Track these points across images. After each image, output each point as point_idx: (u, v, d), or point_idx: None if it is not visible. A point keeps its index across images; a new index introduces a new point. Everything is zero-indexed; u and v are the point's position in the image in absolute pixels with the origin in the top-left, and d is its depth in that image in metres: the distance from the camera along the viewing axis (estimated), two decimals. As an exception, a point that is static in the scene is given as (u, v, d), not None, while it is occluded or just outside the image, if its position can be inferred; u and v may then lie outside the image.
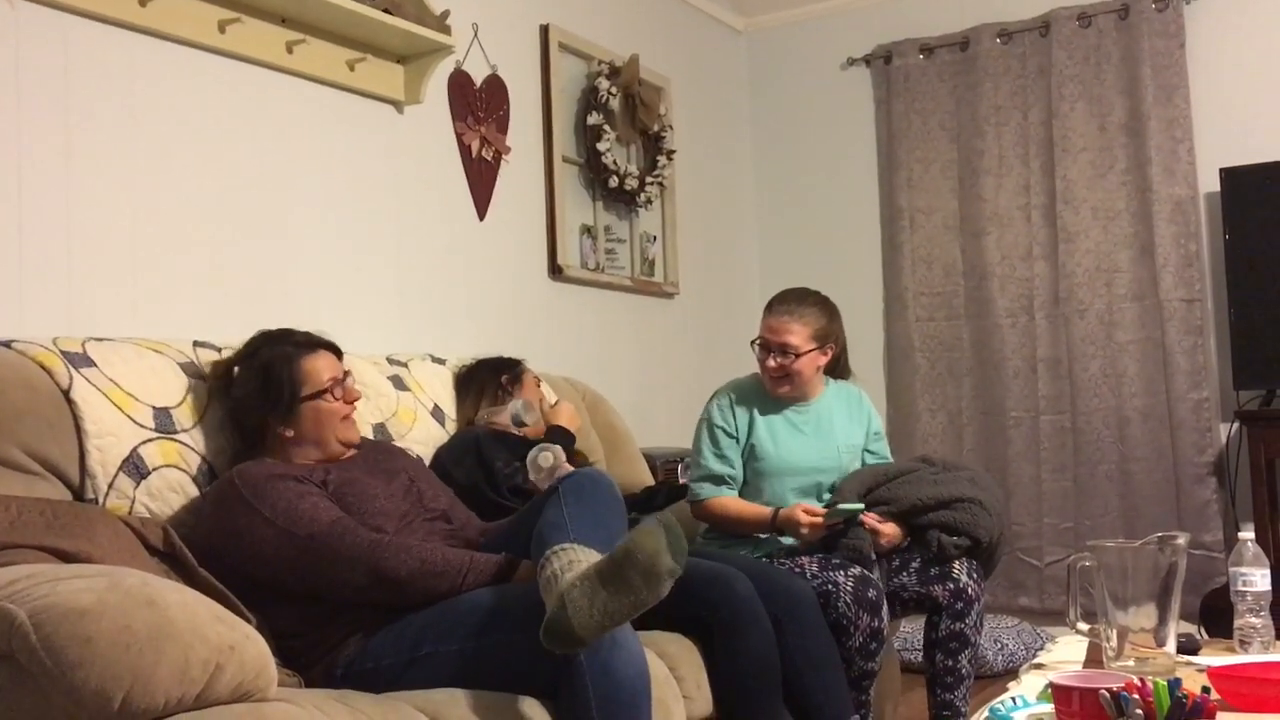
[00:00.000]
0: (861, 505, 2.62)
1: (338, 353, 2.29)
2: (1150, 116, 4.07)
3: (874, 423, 2.93)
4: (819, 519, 2.59)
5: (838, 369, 2.89)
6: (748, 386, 2.84)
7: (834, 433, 2.82)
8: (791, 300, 2.77)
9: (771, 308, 2.77)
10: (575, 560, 1.79)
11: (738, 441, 2.77)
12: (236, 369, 2.24)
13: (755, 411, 2.79)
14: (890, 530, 2.65)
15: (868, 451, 2.89)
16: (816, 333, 2.75)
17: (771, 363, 2.73)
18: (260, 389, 2.18)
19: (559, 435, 2.77)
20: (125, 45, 2.44)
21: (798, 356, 2.72)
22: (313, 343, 2.26)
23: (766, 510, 2.69)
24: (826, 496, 2.77)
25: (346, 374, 2.28)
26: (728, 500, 2.75)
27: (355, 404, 2.26)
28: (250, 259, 2.71)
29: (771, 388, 2.77)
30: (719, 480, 2.75)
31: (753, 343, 2.80)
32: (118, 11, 2.40)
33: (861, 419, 2.90)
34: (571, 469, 2.47)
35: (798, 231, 4.81)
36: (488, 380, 2.87)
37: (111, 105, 2.42)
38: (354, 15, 2.79)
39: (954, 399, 4.45)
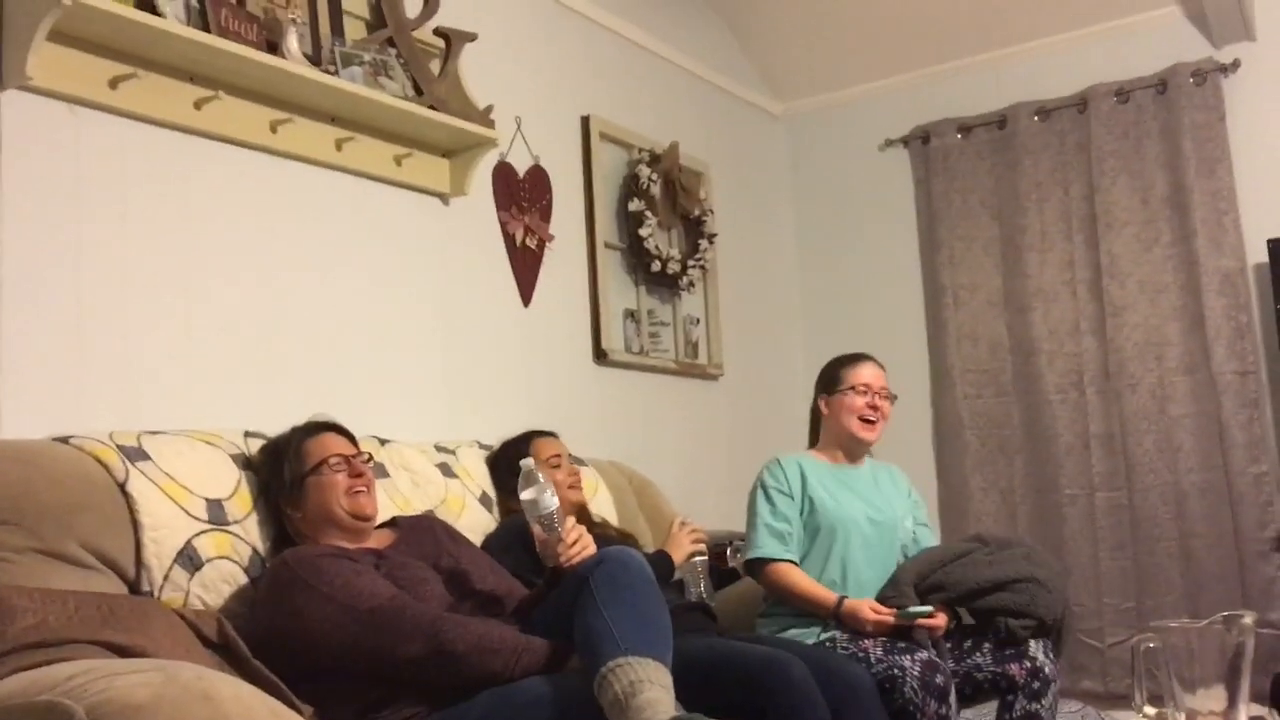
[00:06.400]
0: (930, 609, 2.59)
1: (345, 434, 2.34)
2: (1194, 189, 4.06)
3: (920, 509, 2.96)
4: (886, 618, 2.57)
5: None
6: (794, 457, 2.90)
7: (882, 493, 2.89)
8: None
9: (860, 360, 2.94)
10: (637, 680, 1.77)
11: (793, 499, 2.79)
12: (261, 463, 2.30)
13: (806, 473, 2.85)
14: (941, 621, 2.62)
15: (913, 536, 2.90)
16: None
17: (877, 403, 2.87)
18: (270, 477, 2.26)
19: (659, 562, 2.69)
20: (180, 147, 2.52)
21: (891, 403, 2.91)
22: (316, 426, 2.32)
23: (831, 595, 2.67)
24: (895, 561, 2.79)
25: (357, 455, 2.31)
26: (793, 570, 2.74)
27: (362, 478, 2.26)
28: (301, 349, 2.75)
29: (866, 433, 2.87)
30: (781, 537, 2.75)
31: (837, 391, 2.89)
32: (173, 115, 2.48)
33: (902, 489, 2.97)
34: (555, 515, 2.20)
35: (841, 311, 4.81)
36: (510, 466, 2.86)
37: (167, 204, 2.49)
38: (401, 113, 2.87)
39: (1006, 476, 4.39)
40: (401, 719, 1.98)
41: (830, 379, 2.95)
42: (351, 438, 2.36)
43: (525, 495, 2.15)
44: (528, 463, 2.20)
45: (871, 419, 2.87)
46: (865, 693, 2.33)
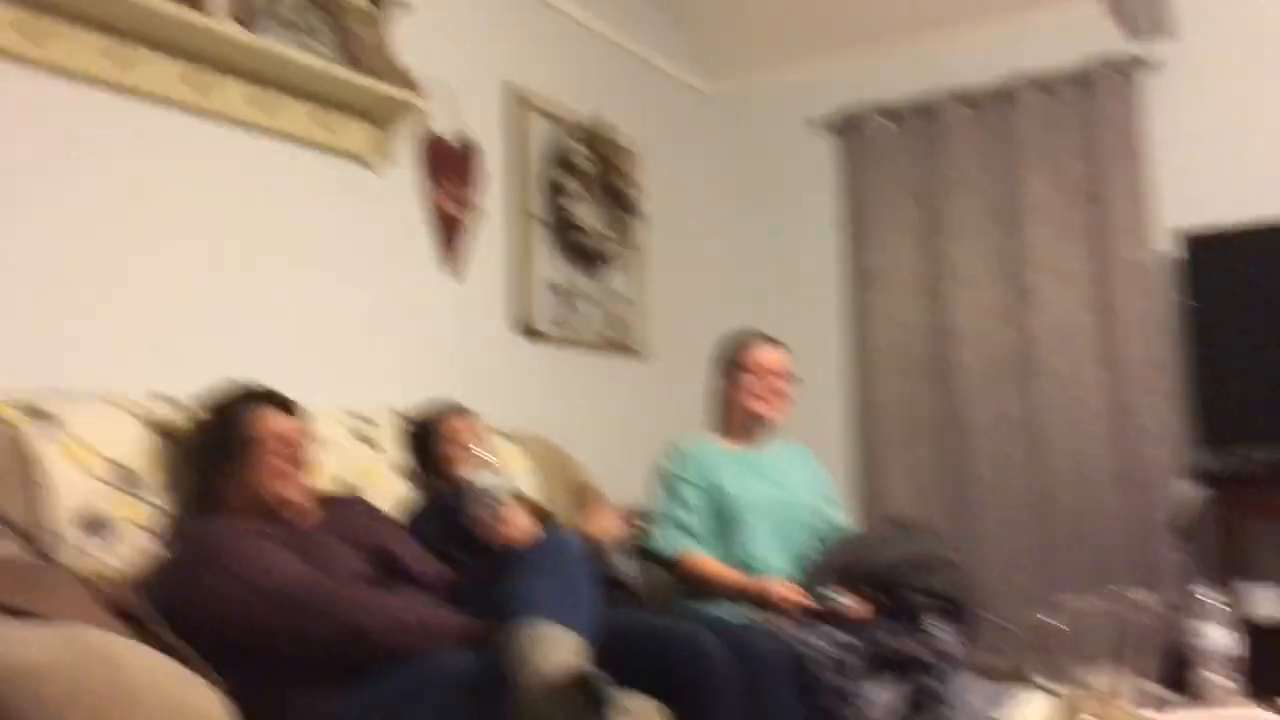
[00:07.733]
0: (849, 601, 2.62)
1: (289, 409, 2.30)
2: (1111, 182, 4.15)
3: (827, 485, 2.98)
4: (798, 598, 2.60)
5: None
6: (694, 440, 2.89)
7: (792, 474, 2.91)
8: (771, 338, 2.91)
9: (760, 343, 2.88)
10: (540, 638, 1.79)
11: (696, 486, 2.78)
12: (201, 420, 2.26)
13: (708, 457, 2.84)
14: (865, 612, 2.66)
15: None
16: None
17: (776, 384, 2.83)
18: (211, 439, 2.21)
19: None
20: (97, 103, 2.46)
21: (793, 384, 2.88)
22: (260, 395, 2.28)
23: (745, 578, 2.68)
24: (802, 542, 2.80)
25: (297, 432, 2.27)
26: (704, 559, 2.74)
27: (299, 460, 2.24)
28: (217, 312, 2.71)
29: (764, 409, 2.83)
30: (685, 528, 2.75)
31: (735, 373, 2.85)
32: (90, 69, 2.42)
33: (811, 469, 2.98)
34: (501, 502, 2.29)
35: (767, 291, 4.84)
36: (418, 442, 2.84)
37: (82, 162, 2.43)
38: (324, 75, 2.82)
39: (921, 459, 4.47)
40: (315, 693, 1.96)
41: (727, 362, 2.92)
42: (293, 412, 2.31)
43: (470, 475, 2.22)
44: (476, 448, 2.23)
45: (781, 401, 2.87)
46: (777, 667, 2.37)
